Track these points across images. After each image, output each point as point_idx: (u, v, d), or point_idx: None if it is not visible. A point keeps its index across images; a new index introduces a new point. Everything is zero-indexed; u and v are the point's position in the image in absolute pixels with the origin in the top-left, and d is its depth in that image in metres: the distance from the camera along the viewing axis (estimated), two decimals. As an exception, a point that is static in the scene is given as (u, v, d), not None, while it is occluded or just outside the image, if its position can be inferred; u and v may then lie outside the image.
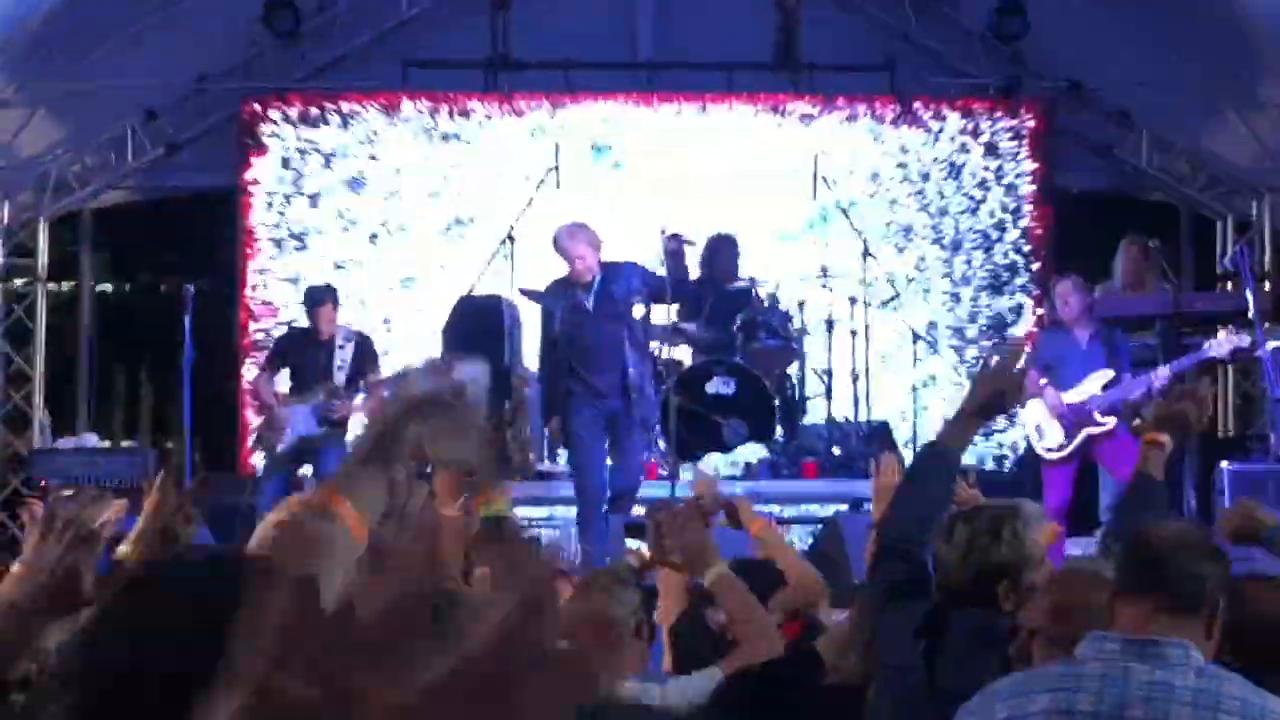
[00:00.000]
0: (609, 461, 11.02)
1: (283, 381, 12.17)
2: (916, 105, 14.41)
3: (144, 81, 14.16)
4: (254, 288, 14.29)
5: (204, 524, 11.00)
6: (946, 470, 4.74)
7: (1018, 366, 4.85)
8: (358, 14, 14.54)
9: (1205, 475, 12.10)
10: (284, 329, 13.55)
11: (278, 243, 14.41)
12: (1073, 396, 11.28)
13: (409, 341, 14.06)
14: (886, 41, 14.58)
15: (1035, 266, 14.42)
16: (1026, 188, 14.45)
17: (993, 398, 4.72)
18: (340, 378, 11.84)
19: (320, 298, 12.29)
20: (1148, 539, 3.67)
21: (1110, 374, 11.26)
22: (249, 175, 14.37)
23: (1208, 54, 13.56)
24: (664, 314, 12.49)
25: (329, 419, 11.73)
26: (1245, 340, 11.08)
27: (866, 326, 12.72)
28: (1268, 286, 13.60)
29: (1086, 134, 14.66)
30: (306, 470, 11.90)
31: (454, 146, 14.52)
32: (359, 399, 11.88)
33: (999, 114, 14.48)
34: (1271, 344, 11.31)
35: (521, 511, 11.84)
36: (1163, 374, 11.22)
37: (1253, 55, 13.19)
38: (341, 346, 11.94)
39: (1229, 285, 13.58)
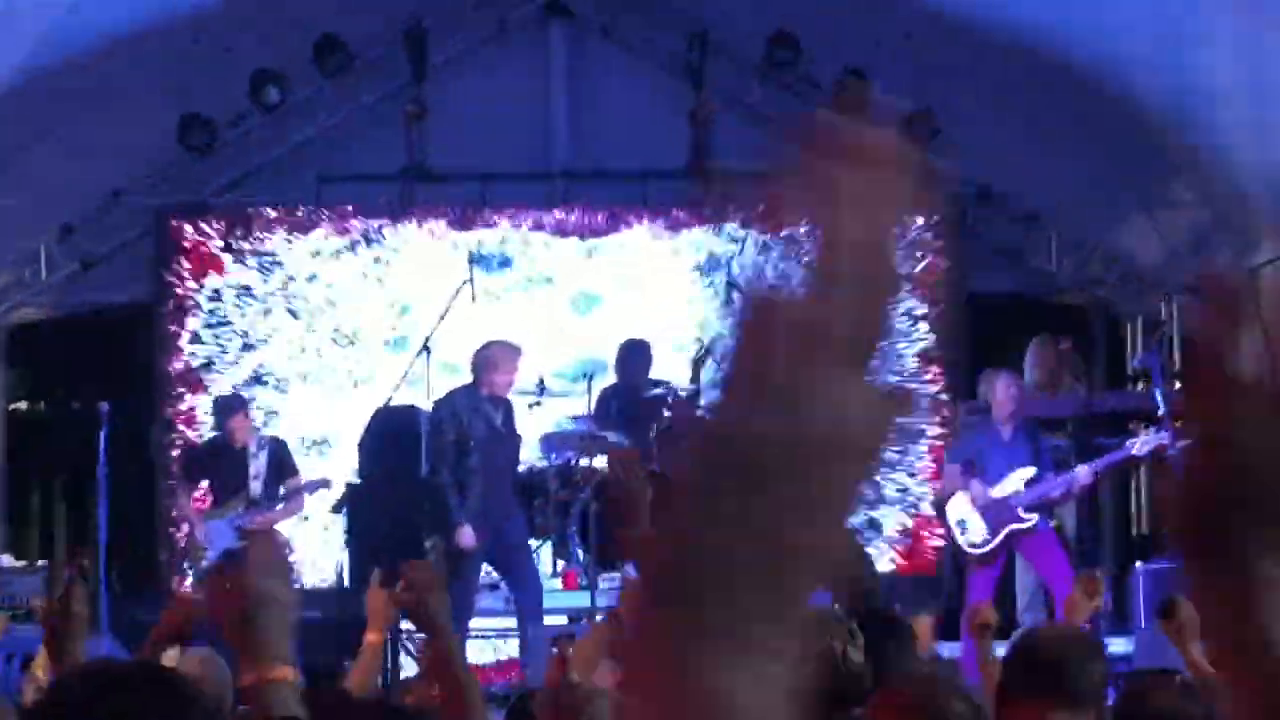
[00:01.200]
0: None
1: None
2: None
3: (58, 196, 14.16)
4: (184, 407, 14.20)
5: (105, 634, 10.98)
6: None
7: None
8: (272, 128, 14.57)
9: (1120, 576, 12.17)
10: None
11: (195, 360, 14.30)
12: (997, 492, 11.32)
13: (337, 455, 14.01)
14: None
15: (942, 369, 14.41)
16: (935, 291, 14.48)
17: None
18: (256, 487, 11.78)
19: (231, 406, 12.28)
20: (1038, 641, 3.69)
21: (1033, 470, 11.32)
22: (172, 290, 14.27)
23: (1114, 154, 13.74)
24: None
25: (248, 532, 11.66)
26: (1166, 438, 11.18)
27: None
28: (1178, 386, 13.69)
29: (996, 237, 14.78)
30: None
31: (370, 258, 14.47)
32: (278, 507, 11.83)
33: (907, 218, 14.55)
34: (1182, 443, 11.40)
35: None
36: (1084, 473, 11.30)
37: (1158, 154, 13.37)
38: (255, 455, 11.87)
39: (1140, 385, 13.71)
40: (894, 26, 14.35)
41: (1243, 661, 1.29)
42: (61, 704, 2.19)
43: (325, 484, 12.41)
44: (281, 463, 12.01)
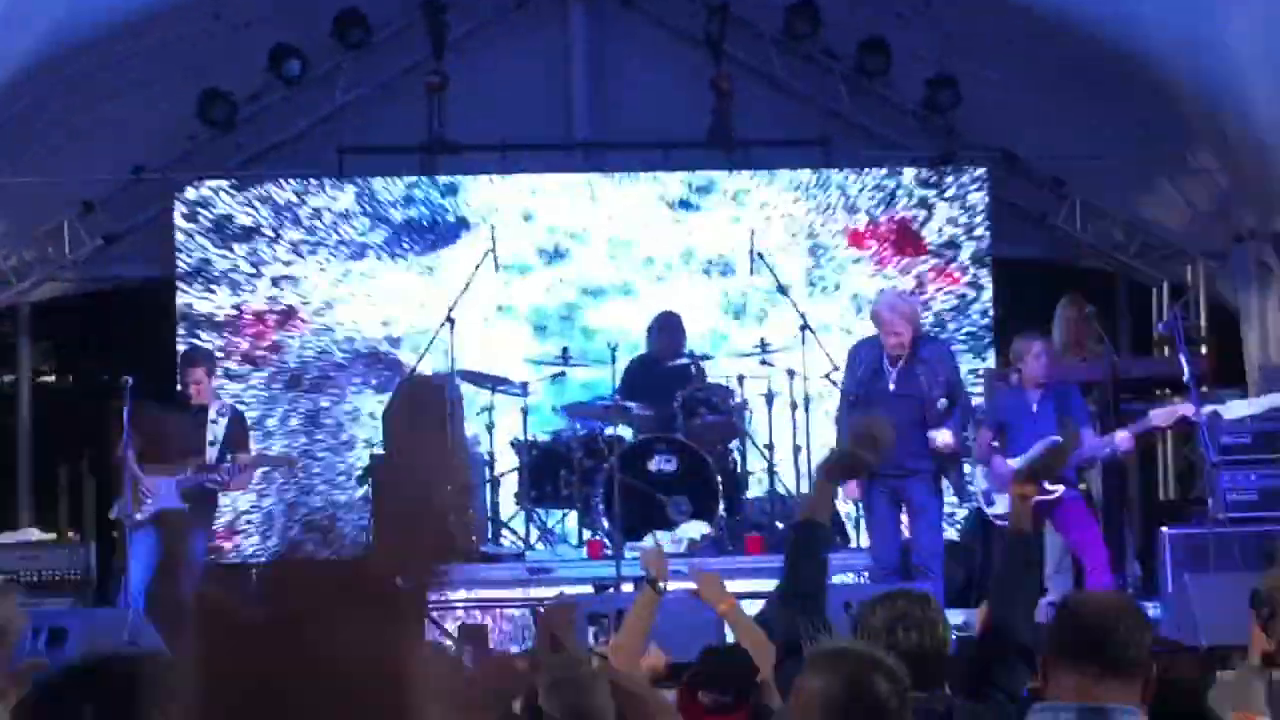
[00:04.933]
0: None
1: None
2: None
3: (80, 174, 14.17)
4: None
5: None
6: (821, 544, 4.77)
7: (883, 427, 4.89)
8: (292, 102, 14.56)
9: (1147, 541, 12.15)
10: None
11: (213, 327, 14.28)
12: (1019, 463, 11.22)
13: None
14: (820, 119, 14.67)
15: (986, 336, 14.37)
16: (964, 257, 14.45)
17: (853, 457, 4.76)
18: (211, 453, 11.69)
19: (193, 359, 12.19)
20: (1084, 607, 3.70)
21: (1058, 440, 11.19)
22: (186, 264, 14.26)
23: (1137, 122, 13.70)
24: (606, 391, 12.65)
25: (193, 494, 11.60)
26: (1190, 410, 11.13)
27: (807, 399, 12.71)
28: (1203, 351, 13.68)
29: (1020, 203, 14.76)
30: None
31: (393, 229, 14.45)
32: (228, 477, 11.71)
33: (937, 185, 14.48)
34: (1208, 409, 11.36)
35: (468, 595, 11.81)
36: (1124, 438, 11.23)
37: (1181, 122, 13.33)
38: (215, 421, 11.79)
39: (1165, 350, 13.68)
40: (914, -5, 14.32)
41: None
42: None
43: (288, 461, 12.48)
44: (237, 435, 11.92)
